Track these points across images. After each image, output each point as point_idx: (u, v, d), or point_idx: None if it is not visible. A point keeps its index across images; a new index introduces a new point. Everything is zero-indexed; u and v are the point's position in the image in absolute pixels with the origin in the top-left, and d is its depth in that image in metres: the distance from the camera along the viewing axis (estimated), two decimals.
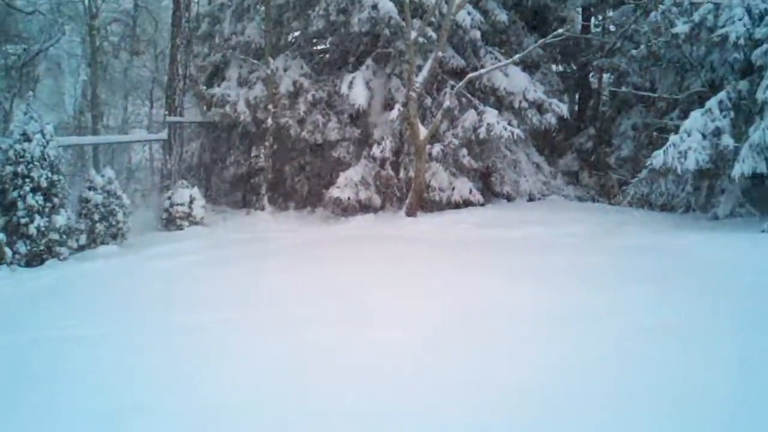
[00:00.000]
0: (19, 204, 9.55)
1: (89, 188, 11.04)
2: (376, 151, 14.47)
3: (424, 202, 14.36)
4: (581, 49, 18.77)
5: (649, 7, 14.75)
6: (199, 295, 7.70)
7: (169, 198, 13.08)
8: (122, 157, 17.80)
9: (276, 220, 14.34)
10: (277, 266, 9.35)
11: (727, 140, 11.68)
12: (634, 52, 15.09)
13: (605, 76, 19.67)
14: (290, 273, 8.80)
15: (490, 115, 14.36)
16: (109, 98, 19.01)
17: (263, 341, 5.80)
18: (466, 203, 14.59)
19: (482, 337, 5.83)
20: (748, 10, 12.20)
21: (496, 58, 15.46)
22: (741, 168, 11.18)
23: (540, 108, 15.37)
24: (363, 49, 15.56)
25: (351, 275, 8.49)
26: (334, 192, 14.13)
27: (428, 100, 15.00)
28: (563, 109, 15.56)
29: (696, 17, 12.96)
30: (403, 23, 13.76)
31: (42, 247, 9.74)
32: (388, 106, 14.75)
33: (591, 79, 20.18)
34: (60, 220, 9.86)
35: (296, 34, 16.81)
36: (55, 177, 9.84)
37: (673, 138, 11.90)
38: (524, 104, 15.18)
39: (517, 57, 14.82)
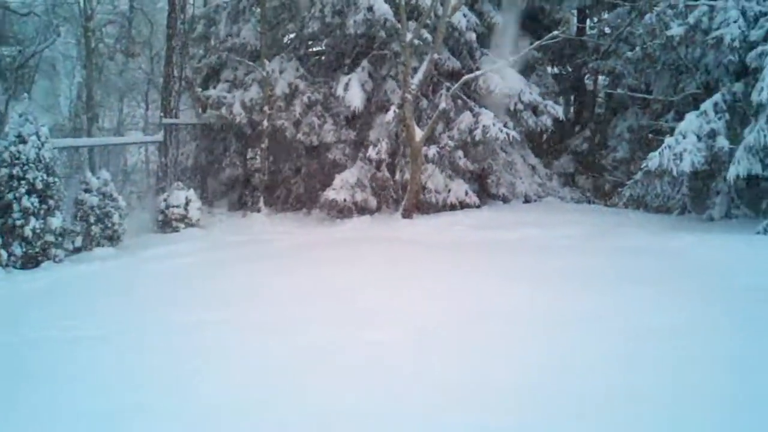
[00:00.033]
0: (15, 206, 9.52)
1: (85, 190, 11.01)
2: (371, 152, 14.46)
3: (420, 204, 14.36)
4: (576, 51, 18.79)
5: (644, 10, 14.78)
6: (198, 296, 7.70)
7: (165, 200, 13.05)
8: (118, 159, 17.73)
9: (272, 222, 14.32)
10: (273, 268, 9.35)
11: (722, 142, 11.72)
12: (629, 54, 15.12)
13: (600, 78, 19.72)
14: (287, 275, 8.81)
15: (486, 117, 14.37)
16: (104, 100, 18.98)
17: (263, 341, 5.81)
18: (462, 205, 14.59)
19: (479, 339, 5.84)
20: (743, 13, 12.26)
21: (491, 60, 15.47)
22: (736, 170, 11.22)
23: (535, 110, 15.40)
24: (358, 51, 15.55)
25: (347, 277, 8.50)
26: (330, 194, 14.11)
27: (424, 102, 15.01)
28: (558, 111, 15.58)
29: (691, 19, 12.99)
30: (399, 25, 13.76)
31: (37, 249, 9.71)
32: (384, 108, 14.74)
33: (586, 81, 20.22)
34: (55, 222, 9.84)
35: (292, 36, 16.80)
36: (50, 179, 9.81)
37: (668, 140, 11.94)
38: (520, 106, 15.20)
39: (512, 59, 14.83)
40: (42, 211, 9.70)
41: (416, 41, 13.90)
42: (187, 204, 13.00)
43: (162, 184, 14.20)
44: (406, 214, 13.92)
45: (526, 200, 15.80)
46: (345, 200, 14.04)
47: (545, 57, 18.06)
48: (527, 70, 17.03)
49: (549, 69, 19.11)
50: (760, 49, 11.70)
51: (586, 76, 19.86)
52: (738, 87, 12.27)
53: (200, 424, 4.28)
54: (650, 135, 14.99)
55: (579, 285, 7.82)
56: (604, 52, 17.52)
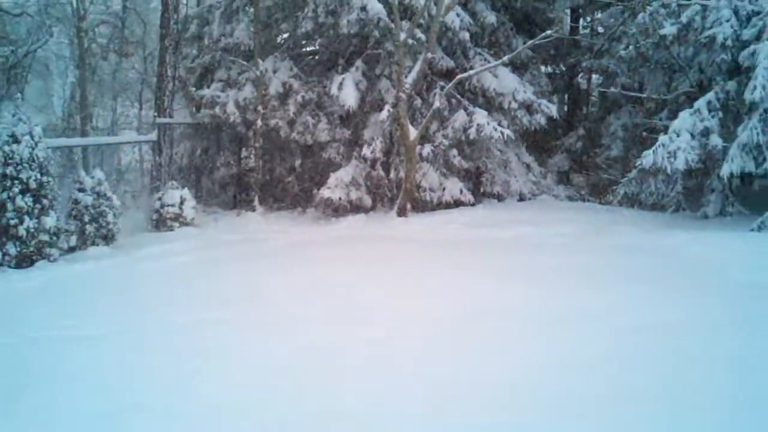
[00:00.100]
0: (8, 205, 9.49)
1: (79, 189, 10.99)
2: (366, 151, 14.48)
3: (414, 203, 14.39)
4: (570, 51, 18.85)
5: (636, 9, 14.82)
6: (195, 296, 7.69)
7: (160, 199, 13.05)
8: (112, 159, 17.74)
9: (267, 220, 14.32)
10: (269, 267, 9.34)
11: (715, 140, 11.77)
12: (622, 53, 15.16)
13: (594, 76, 19.80)
14: (283, 273, 8.80)
15: (480, 115, 14.41)
16: (98, 100, 18.94)
17: (262, 341, 5.81)
18: (457, 203, 14.64)
19: (475, 337, 5.85)
20: (735, 12, 12.32)
21: (485, 60, 15.52)
22: (730, 167, 11.28)
23: (529, 109, 15.43)
24: (352, 51, 15.56)
25: (344, 276, 8.49)
26: (324, 192, 14.14)
27: (418, 101, 15.03)
28: (552, 109, 15.62)
29: (684, 19, 13.06)
30: (392, 25, 13.78)
31: (32, 249, 9.69)
32: (378, 107, 14.76)
33: (580, 80, 20.30)
34: (50, 221, 9.81)
35: (285, 35, 16.83)
36: (44, 178, 9.79)
37: (662, 138, 11.98)
38: (514, 105, 15.23)
39: (506, 58, 14.86)
40: (36, 211, 9.68)
41: (410, 41, 13.93)
42: (181, 203, 12.99)
43: (156, 183, 14.19)
44: (401, 213, 13.95)
45: (521, 198, 15.85)
46: (340, 199, 14.07)
47: (539, 56, 18.09)
48: (521, 69, 17.07)
49: (543, 68, 19.13)
50: (752, 48, 11.76)
51: (580, 75, 19.94)
52: (731, 85, 12.33)
53: (200, 424, 4.28)
54: (644, 133, 15.06)
55: (573, 283, 7.84)
56: (598, 51, 17.57)
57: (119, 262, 10.18)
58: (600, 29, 19.79)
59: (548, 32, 14.81)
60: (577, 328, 6.03)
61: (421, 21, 14.19)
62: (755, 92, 11.10)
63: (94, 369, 5.30)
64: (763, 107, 11.22)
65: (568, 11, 19.79)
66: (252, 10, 15.28)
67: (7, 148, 9.55)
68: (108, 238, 11.11)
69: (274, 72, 15.31)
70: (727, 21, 12.23)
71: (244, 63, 15.22)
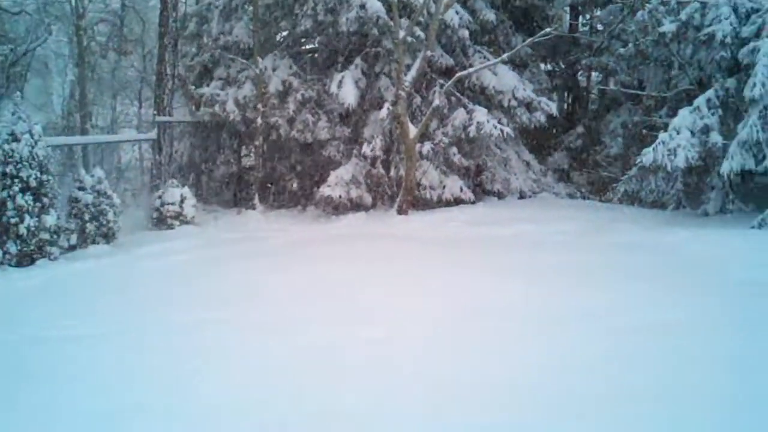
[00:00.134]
0: (9, 204, 9.48)
1: (79, 188, 10.98)
2: (366, 149, 14.47)
3: (415, 201, 14.39)
4: (569, 48, 18.84)
5: (636, 6, 14.84)
6: (195, 295, 7.69)
7: (160, 197, 13.04)
8: (112, 157, 17.69)
9: (267, 219, 14.31)
10: (269, 265, 9.34)
11: (715, 137, 11.78)
12: (622, 50, 15.17)
13: (594, 74, 19.81)
14: (283, 272, 8.80)
15: (480, 113, 14.40)
16: (97, 98, 18.90)
17: (262, 341, 5.80)
18: (457, 201, 14.64)
19: (475, 336, 5.85)
20: (735, 9, 12.32)
21: (484, 57, 15.51)
22: (730, 165, 11.28)
23: (529, 106, 15.43)
24: (352, 49, 15.55)
25: (344, 274, 8.49)
26: (325, 191, 14.13)
27: (418, 99, 15.03)
28: (552, 107, 15.62)
29: (683, 16, 13.06)
30: (392, 23, 13.76)
31: (32, 247, 9.68)
32: (378, 105, 14.75)
33: (580, 78, 20.29)
34: (50, 219, 9.81)
35: (284, 33, 16.79)
36: (44, 177, 9.77)
37: (662, 135, 11.98)
38: (513, 103, 15.22)
39: (505, 56, 14.85)
40: (36, 209, 9.67)
41: (409, 39, 13.92)
42: (182, 201, 12.98)
43: (156, 182, 14.17)
44: (401, 211, 13.95)
45: (521, 196, 15.84)
46: (340, 197, 14.07)
47: (538, 54, 18.09)
48: (520, 66, 17.07)
49: (542, 66, 19.14)
50: (752, 45, 11.76)
51: (580, 73, 19.94)
52: (731, 83, 12.34)
53: (200, 424, 4.27)
54: (644, 131, 15.06)
55: (574, 281, 7.84)
56: (597, 48, 17.58)
57: (119, 260, 10.17)
58: (599, 27, 19.76)
59: (548, 30, 14.81)
60: (577, 327, 6.03)
61: (421, 19, 14.17)
62: (755, 89, 11.10)
63: (94, 368, 5.29)
64: (762, 104, 11.23)
65: (568, 9, 19.79)
66: (251, 8, 15.26)
67: (6, 147, 9.54)
68: (108, 237, 11.11)
69: (274, 70, 15.30)
70: (727, 18, 12.24)
71: (244, 61, 15.20)
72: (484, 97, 15.43)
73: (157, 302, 7.44)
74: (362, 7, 13.93)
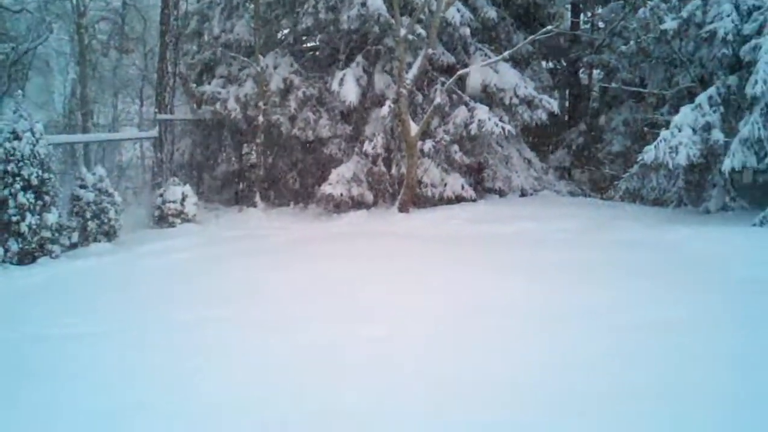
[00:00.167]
0: (10, 202, 9.49)
1: (80, 186, 11.00)
2: (367, 147, 14.47)
3: (416, 198, 14.38)
4: (571, 46, 18.83)
5: (637, 4, 14.83)
6: (197, 293, 7.69)
7: (161, 195, 13.06)
8: (113, 155, 17.74)
9: (268, 217, 14.32)
10: (271, 263, 9.34)
11: (717, 135, 11.76)
12: (623, 48, 15.16)
13: (595, 72, 19.79)
14: (284, 270, 8.81)
15: (481, 111, 14.39)
16: (98, 96, 18.94)
17: (263, 339, 5.80)
18: (459, 199, 14.63)
19: (477, 334, 5.84)
20: (736, 6, 12.30)
21: (486, 55, 15.49)
22: (731, 162, 11.27)
23: (530, 104, 15.39)
24: (353, 46, 15.55)
25: (345, 272, 8.49)
26: (326, 188, 14.13)
27: (419, 97, 15.02)
28: (554, 105, 15.59)
29: (684, 13, 13.04)
30: (393, 20, 13.75)
31: (34, 245, 9.69)
32: (379, 102, 14.74)
33: (581, 76, 20.28)
34: (51, 218, 9.82)
35: (286, 31, 16.83)
36: (45, 175, 9.79)
37: (663, 133, 11.97)
38: (515, 100, 15.20)
39: (507, 53, 14.82)
40: (38, 207, 9.69)
41: (410, 36, 13.91)
42: (183, 199, 12.99)
43: (158, 180, 14.20)
44: (403, 209, 13.95)
45: (522, 194, 15.83)
46: (341, 195, 14.07)
47: (540, 51, 18.08)
48: (522, 64, 17.05)
49: (544, 63, 19.14)
50: (753, 42, 11.74)
51: (581, 71, 19.92)
52: (732, 80, 12.32)
53: (201, 422, 4.27)
54: (645, 128, 15.06)
55: (575, 278, 7.83)
56: (599, 46, 17.57)
57: (121, 258, 10.19)
58: (601, 24, 19.77)
59: (549, 27, 14.80)
60: (578, 325, 6.01)
61: (422, 16, 14.17)
62: (756, 87, 11.09)
63: (96, 366, 5.29)
64: (764, 101, 11.22)
65: (569, 6, 19.79)
66: (252, 6, 15.28)
67: (8, 145, 9.54)
68: (109, 235, 11.12)
69: (275, 68, 15.30)
70: (728, 16, 12.22)
71: (245, 59, 15.20)
72: (485, 94, 15.41)
73: (158, 300, 7.44)
74: (363, 4, 13.92)
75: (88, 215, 10.86)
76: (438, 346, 5.59)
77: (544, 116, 15.43)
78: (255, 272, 8.70)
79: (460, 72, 14.52)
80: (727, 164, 11.32)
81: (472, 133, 14.42)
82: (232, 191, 16.71)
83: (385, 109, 13.97)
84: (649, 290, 7.22)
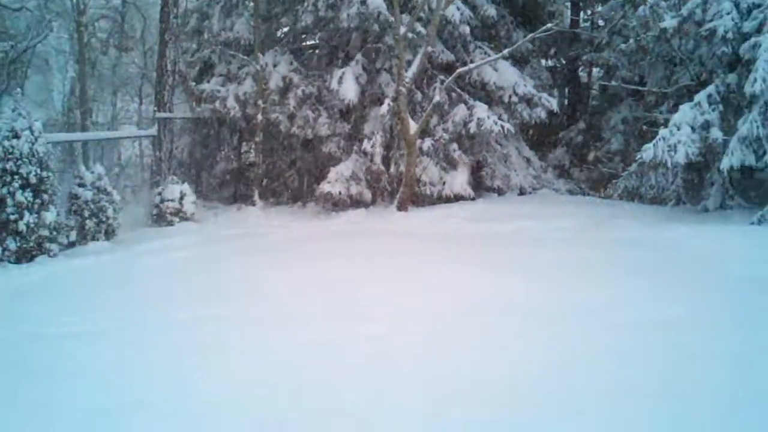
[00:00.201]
0: (8, 200, 9.48)
1: (79, 184, 10.99)
2: (366, 146, 14.47)
3: (415, 197, 14.38)
4: (570, 44, 18.82)
5: (637, 2, 14.81)
6: (195, 291, 7.68)
7: (160, 194, 13.05)
8: (112, 154, 17.75)
9: (267, 215, 14.32)
10: (269, 262, 9.34)
11: (716, 133, 11.76)
12: (623, 46, 15.14)
13: (595, 70, 19.78)
14: (282, 269, 8.80)
15: (481, 109, 14.39)
16: (97, 94, 18.93)
17: (262, 337, 5.79)
18: (457, 197, 14.62)
19: (475, 332, 5.83)
20: (736, 4, 12.29)
21: (485, 53, 15.49)
22: (730, 161, 11.28)
23: (530, 102, 15.40)
24: (352, 45, 15.55)
25: (343, 270, 8.48)
26: (325, 187, 14.13)
27: (418, 95, 15.02)
28: (553, 103, 15.59)
29: (684, 11, 13.02)
30: (392, 18, 13.75)
31: (32, 244, 9.69)
32: (378, 101, 14.74)
33: (580, 74, 20.27)
34: (49, 216, 9.80)
35: (285, 29, 16.83)
36: (44, 173, 9.78)
37: (662, 131, 11.96)
38: (514, 99, 15.20)
39: (506, 51, 14.82)
40: (36, 206, 9.68)
41: (410, 34, 13.90)
42: (181, 198, 12.98)
43: (156, 178, 14.19)
44: (401, 207, 13.95)
45: (521, 192, 15.84)
46: (340, 193, 14.06)
47: (539, 49, 18.08)
48: (521, 62, 17.04)
49: (543, 61, 19.13)
50: (753, 40, 11.74)
51: (580, 69, 19.91)
52: (731, 78, 12.31)
53: (200, 421, 4.26)
54: (644, 127, 15.06)
55: (574, 277, 7.82)
56: (598, 44, 17.54)
57: (119, 257, 10.18)
58: (600, 22, 19.74)
59: (549, 25, 14.80)
60: (577, 323, 6.01)
61: (421, 14, 14.17)
62: (756, 85, 11.09)
63: (94, 365, 5.28)
64: (763, 100, 11.22)
65: (569, 4, 19.76)
66: (252, 3, 15.28)
67: (6, 143, 9.54)
68: (108, 233, 11.11)
69: (274, 66, 15.29)
70: (728, 14, 12.21)
71: (244, 57, 15.19)
72: (484, 93, 15.41)
73: (156, 299, 7.43)
74: (363, 2, 13.92)
75: (87, 214, 10.85)
76: (437, 344, 5.58)
77: (543, 114, 15.43)
78: (254, 271, 8.69)
79: (459, 70, 14.51)
80: (725, 163, 11.33)
81: (471, 131, 14.43)
82: (231, 189, 16.70)
83: (384, 108, 13.97)
84: (648, 289, 7.21)
